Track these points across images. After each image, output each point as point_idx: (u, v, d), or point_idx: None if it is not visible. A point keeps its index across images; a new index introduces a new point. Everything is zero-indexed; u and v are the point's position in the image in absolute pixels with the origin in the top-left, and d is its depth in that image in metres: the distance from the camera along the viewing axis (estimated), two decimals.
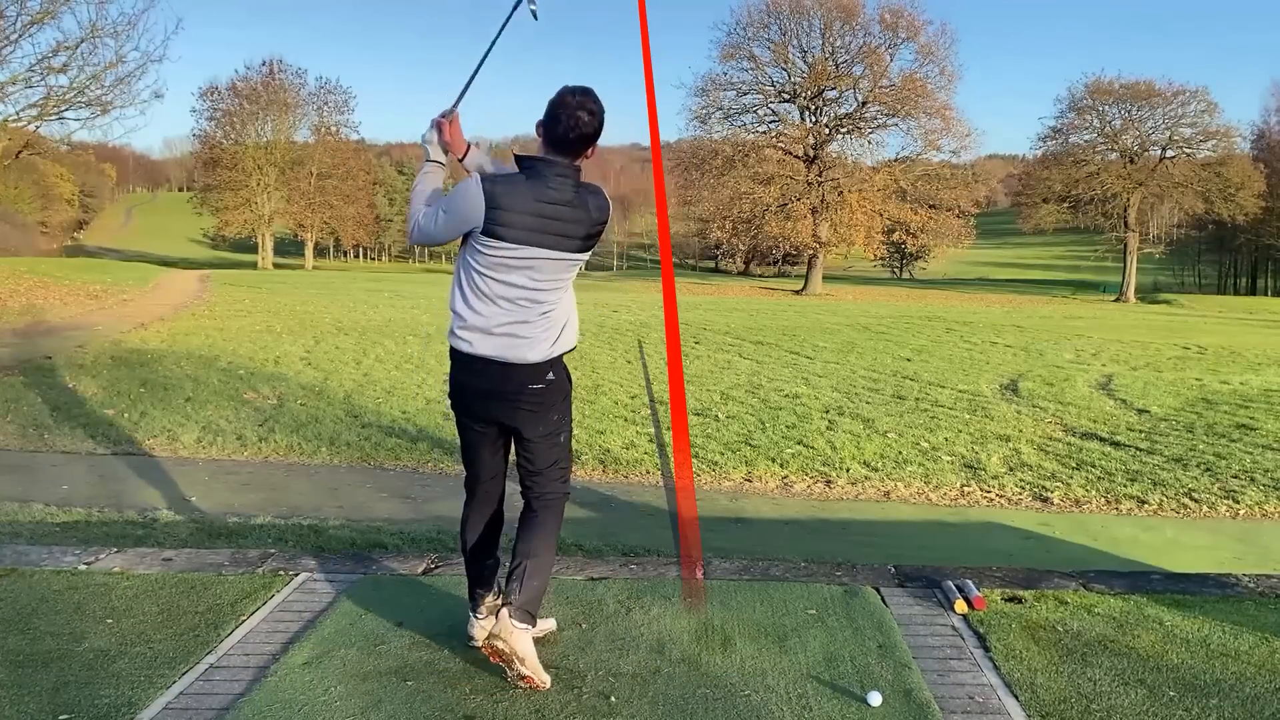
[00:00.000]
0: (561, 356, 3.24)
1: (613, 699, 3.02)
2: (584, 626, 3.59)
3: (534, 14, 3.42)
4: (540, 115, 3.10)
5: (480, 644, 3.20)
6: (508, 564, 3.22)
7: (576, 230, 3.09)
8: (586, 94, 3.05)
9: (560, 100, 3.03)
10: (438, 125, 3.33)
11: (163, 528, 5.62)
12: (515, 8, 3.37)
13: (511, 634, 2.99)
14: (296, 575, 4.11)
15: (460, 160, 3.36)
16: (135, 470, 7.55)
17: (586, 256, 3.21)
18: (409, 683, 3.12)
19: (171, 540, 5.27)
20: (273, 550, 4.58)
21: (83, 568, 4.17)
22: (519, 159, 3.12)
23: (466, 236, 3.10)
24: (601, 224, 3.15)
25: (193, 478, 7.38)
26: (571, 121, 3.01)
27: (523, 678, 3.01)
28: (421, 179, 3.28)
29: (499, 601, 3.23)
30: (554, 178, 3.04)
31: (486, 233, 3.02)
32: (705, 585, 4.01)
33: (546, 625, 3.46)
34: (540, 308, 3.12)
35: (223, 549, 4.64)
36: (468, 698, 3.03)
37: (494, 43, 3.40)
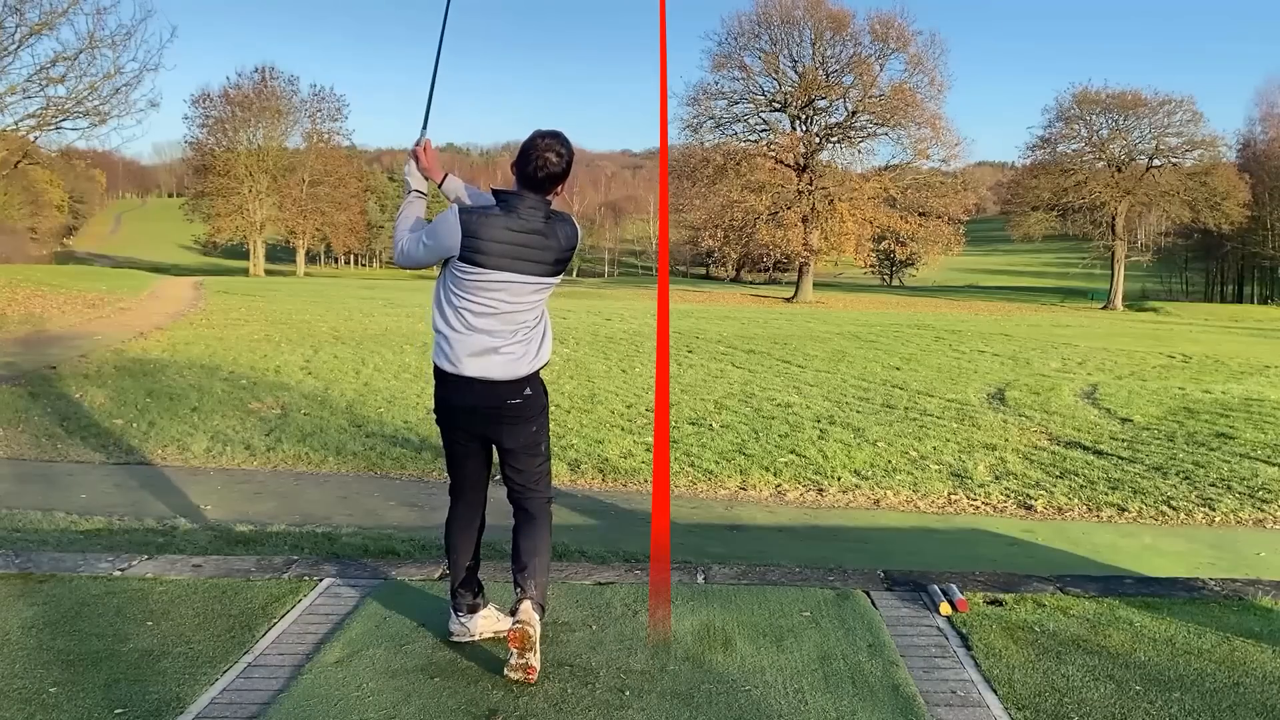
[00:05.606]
0: (538, 372, 3.53)
1: (625, 693, 3.28)
2: (594, 628, 3.84)
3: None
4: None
5: (457, 637, 3.65)
6: (512, 565, 3.56)
7: (546, 256, 3.37)
8: (555, 137, 3.35)
9: (531, 143, 3.33)
10: (414, 154, 3.66)
11: (183, 535, 5.85)
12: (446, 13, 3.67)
13: (536, 621, 3.34)
14: (320, 580, 4.35)
15: (439, 185, 3.67)
16: (149, 479, 7.79)
17: (558, 280, 3.46)
18: (435, 679, 3.37)
19: (192, 547, 5.50)
20: (295, 557, 4.82)
21: (117, 574, 4.40)
22: (495, 192, 3.43)
23: (446, 262, 3.41)
24: (570, 250, 3.43)
25: (206, 486, 7.62)
26: (540, 162, 3.31)
27: (528, 666, 3.29)
28: (405, 207, 3.60)
29: (479, 600, 3.69)
30: (525, 209, 3.34)
31: (464, 259, 3.32)
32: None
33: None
34: (516, 327, 3.42)
35: (248, 556, 4.88)
36: (490, 693, 3.28)
37: (437, 61, 3.76)
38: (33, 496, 6.96)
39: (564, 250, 3.41)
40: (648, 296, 46.36)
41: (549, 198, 3.39)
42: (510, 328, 3.40)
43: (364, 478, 8.26)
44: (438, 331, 3.45)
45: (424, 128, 3.72)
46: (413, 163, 3.66)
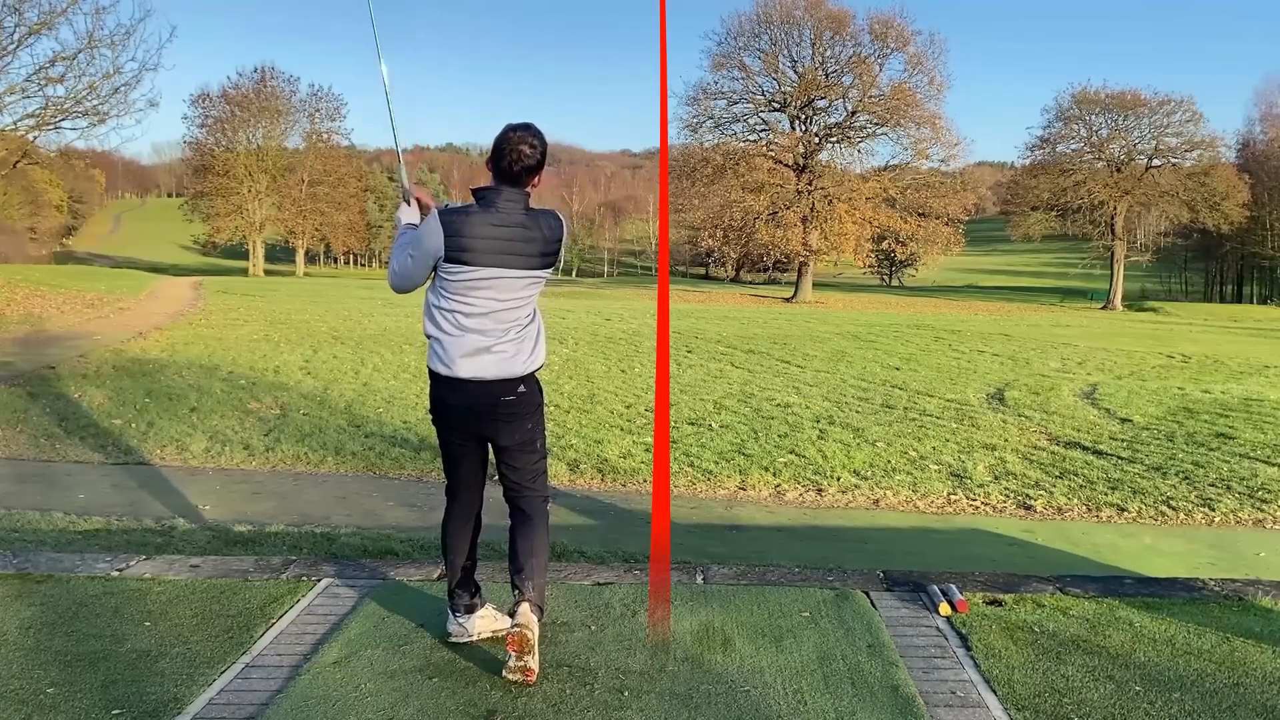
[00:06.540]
0: (533, 372, 3.54)
1: (624, 694, 3.27)
2: (593, 628, 3.83)
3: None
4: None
5: (456, 638, 3.64)
6: (509, 566, 3.55)
7: (532, 248, 3.38)
8: (527, 129, 3.37)
9: (504, 137, 3.35)
10: (416, 199, 3.70)
11: (182, 535, 5.84)
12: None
13: (535, 623, 3.33)
14: (319, 581, 4.34)
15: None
16: (148, 479, 7.78)
17: (547, 273, 3.48)
18: (434, 680, 3.36)
19: (191, 548, 5.49)
20: (293, 557, 4.80)
21: (115, 574, 4.39)
22: (474, 191, 3.44)
23: (434, 267, 3.41)
24: (557, 240, 3.44)
25: (204, 486, 7.61)
26: (515, 155, 3.33)
27: (526, 669, 3.27)
28: (398, 238, 3.60)
29: (477, 600, 3.68)
30: (504, 203, 3.35)
31: (449, 259, 3.33)
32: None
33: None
34: (507, 326, 3.42)
35: (246, 556, 4.87)
36: (488, 694, 3.27)
37: (385, 83, 3.80)
38: (31, 497, 6.95)
39: (550, 242, 3.41)
40: (647, 296, 46.35)
41: (527, 190, 3.40)
42: (502, 327, 3.41)
43: (363, 478, 8.25)
44: (430, 337, 3.46)
45: (399, 162, 3.84)
46: (404, 205, 3.70)
